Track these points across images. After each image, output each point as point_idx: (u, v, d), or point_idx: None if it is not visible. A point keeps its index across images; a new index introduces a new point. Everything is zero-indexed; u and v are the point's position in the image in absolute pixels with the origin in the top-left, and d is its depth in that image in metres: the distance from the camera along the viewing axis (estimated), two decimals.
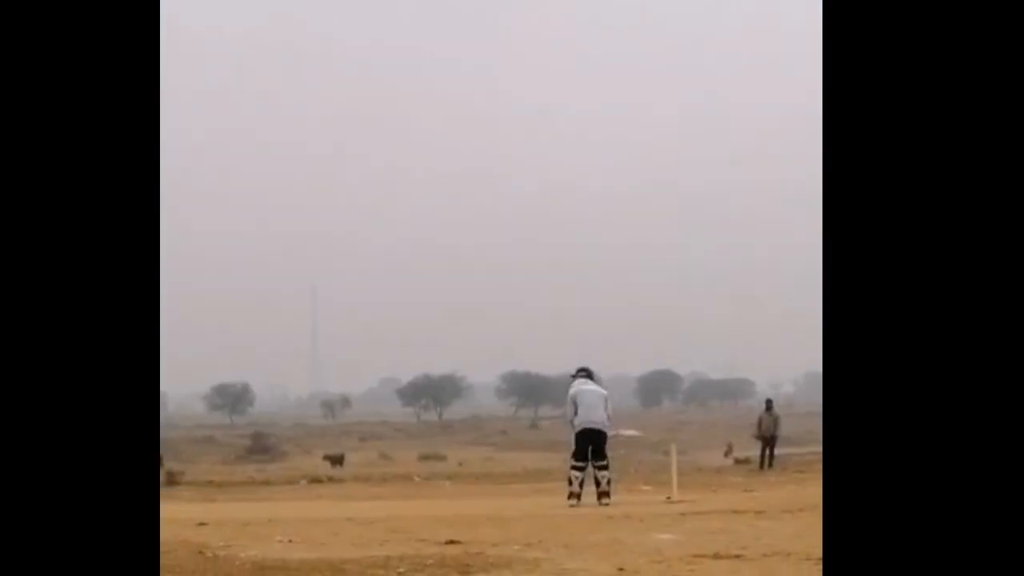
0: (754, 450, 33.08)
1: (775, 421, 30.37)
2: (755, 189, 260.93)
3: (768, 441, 30.02)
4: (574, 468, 16.66)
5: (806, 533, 10.68)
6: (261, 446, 66.09)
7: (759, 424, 30.86)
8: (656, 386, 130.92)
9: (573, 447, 16.87)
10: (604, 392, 17.17)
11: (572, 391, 17.01)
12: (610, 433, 17.04)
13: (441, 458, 56.84)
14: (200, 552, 9.85)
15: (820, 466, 25.60)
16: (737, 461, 37.97)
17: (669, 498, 17.23)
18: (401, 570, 8.63)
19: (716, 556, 9.26)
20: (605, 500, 16.39)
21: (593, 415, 16.68)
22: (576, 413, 16.71)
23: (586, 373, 17.17)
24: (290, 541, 10.83)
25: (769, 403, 32.03)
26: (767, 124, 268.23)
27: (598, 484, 16.61)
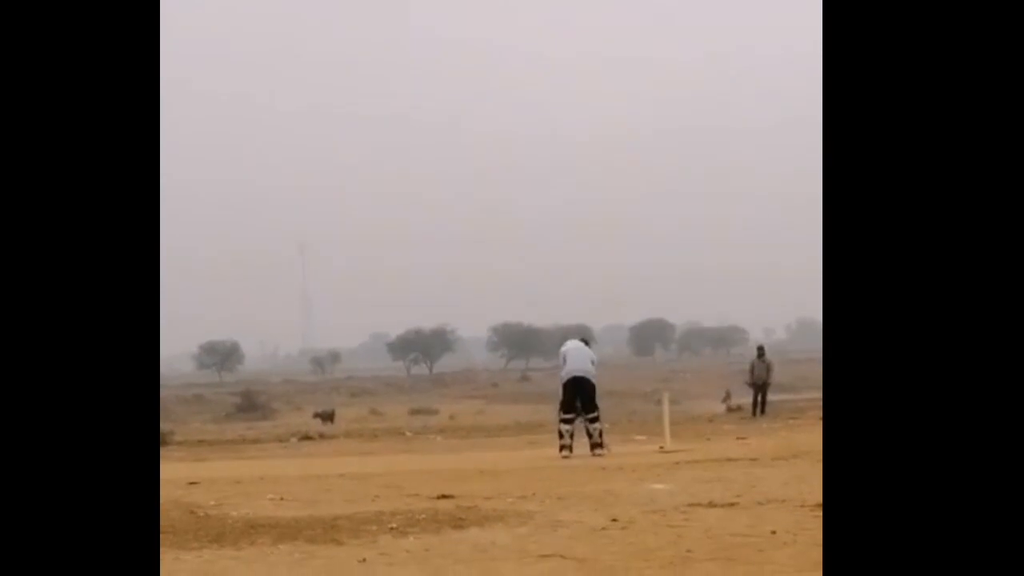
0: (747, 397, 33.07)
1: (767, 368, 30.30)
2: (747, 136, 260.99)
3: (760, 388, 29.97)
4: (563, 421, 16.70)
5: (799, 480, 10.67)
6: (251, 404, 65.91)
7: (751, 371, 30.79)
8: (649, 335, 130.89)
9: (561, 398, 16.96)
10: (592, 354, 17.75)
11: (563, 349, 17.67)
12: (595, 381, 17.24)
13: (432, 412, 56.95)
14: (191, 511, 9.80)
15: (812, 412, 25.64)
16: (730, 409, 38.03)
17: (662, 448, 17.25)
18: (393, 525, 8.57)
19: (710, 505, 9.24)
20: (598, 451, 16.42)
21: (579, 365, 16.98)
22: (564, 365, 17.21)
23: (583, 341, 18.07)
24: (281, 499, 10.76)
25: (761, 350, 31.84)
26: (755, 72, 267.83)
27: (590, 436, 16.69)
